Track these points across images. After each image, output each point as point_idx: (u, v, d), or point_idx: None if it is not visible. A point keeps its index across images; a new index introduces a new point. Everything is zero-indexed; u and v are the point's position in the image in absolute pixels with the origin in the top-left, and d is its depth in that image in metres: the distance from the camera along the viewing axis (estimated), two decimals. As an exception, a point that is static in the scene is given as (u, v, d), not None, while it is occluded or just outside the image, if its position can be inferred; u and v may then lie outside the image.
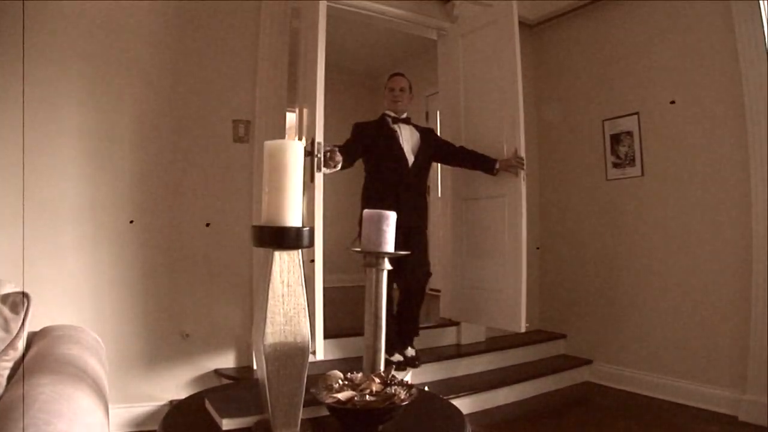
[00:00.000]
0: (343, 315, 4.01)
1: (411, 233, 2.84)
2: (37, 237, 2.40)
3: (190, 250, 2.79)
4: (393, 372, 1.21)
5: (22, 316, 1.11)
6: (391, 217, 1.30)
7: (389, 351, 2.85)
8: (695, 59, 3.17)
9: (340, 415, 1.07)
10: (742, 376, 2.84)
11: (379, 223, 1.28)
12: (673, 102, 3.26)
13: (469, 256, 3.43)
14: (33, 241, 2.37)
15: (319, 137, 2.62)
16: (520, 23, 3.23)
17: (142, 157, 2.70)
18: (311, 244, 1.04)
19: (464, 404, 2.84)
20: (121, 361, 2.54)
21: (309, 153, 2.55)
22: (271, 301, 0.99)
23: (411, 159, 2.98)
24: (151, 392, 2.65)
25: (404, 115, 3.07)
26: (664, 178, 3.33)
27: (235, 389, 1.38)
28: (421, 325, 3.15)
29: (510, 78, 3.14)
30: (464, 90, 3.53)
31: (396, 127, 3.02)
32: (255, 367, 2.73)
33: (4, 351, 1.07)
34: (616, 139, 3.61)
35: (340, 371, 1.19)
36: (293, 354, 1.00)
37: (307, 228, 1.02)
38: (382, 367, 1.29)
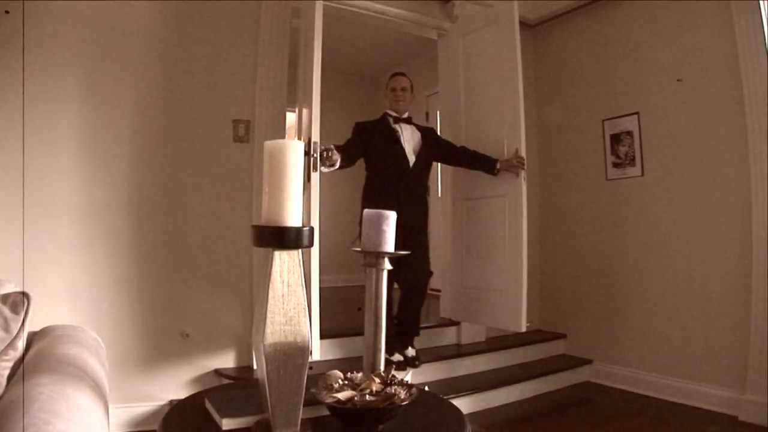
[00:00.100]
0: (343, 315, 4.01)
1: (411, 233, 2.84)
2: (37, 237, 2.40)
3: (190, 250, 2.79)
4: (393, 372, 1.21)
5: (22, 316, 1.11)
6: (391, 216, 1.29)
7: (389, 351, 2.85)
8: (695, 59, 3.17)
9: (340, 415, 1.07)
10: (742, 376, 2.84)
11: (379, 223, 1.28)
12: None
13: (470, 256, 3.43)
14: (33, 241, 2.37)
15: (316, 137, 2.62)
16: (520, 23, 3.23)
17: (142, 157, 2.70)
18: (311, 243, 1.04)
19: (464, 404, 2.84)
20: (121, 361, 2.54)
21: (306, 152, 2.55)
22: (271, 301, 0.99)
23: (412, 159, 2.98)
24: (150, 392, 2.64)
25: (405, 115, 3.08)
26: (664, 178, 3.33)
27: (235, 389, 1.38)
28: (421, 325, 3.14)
29: (511, 78, 3.14)
30: (464, 90, 3.53)
31: (397, 126, 3.02)
32: (255, 367, 2.73)
33: (4, 351, 1.07)
34: (616, 139, 3.61)
35: (340, 371, 1.19)
36: (293, 354, 1.00)
37: (308, 228, 1.02)
38: (382, 367, 1.29)
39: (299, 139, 2.88)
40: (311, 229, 1.04)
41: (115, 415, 2.37)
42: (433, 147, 3.11)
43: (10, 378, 1.07)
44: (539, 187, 4.13)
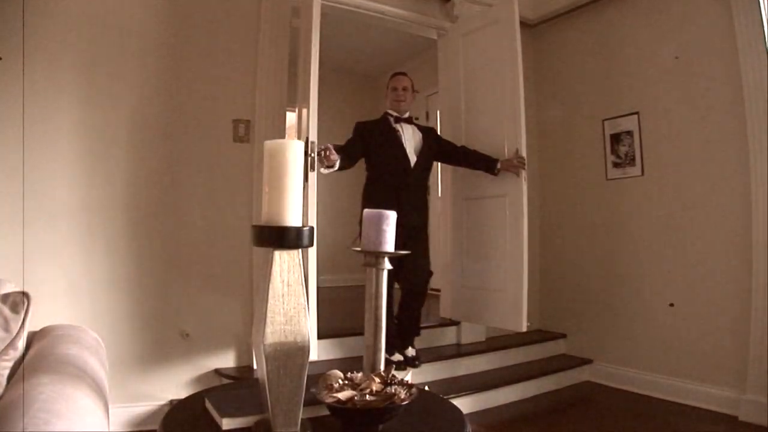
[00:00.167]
0: (343, 315, 4.01)
1: (412, 233, 2.84)
2: (37, 237, 2.40)
3: (190, 250, 2.79)
4: (393, 372, 1.21)
5: (22, 316, 1.11)
6: (392, 216, 1.30)
7: (389, 351, 2.85)
8: (695, 59, 3.17)
9: (341, 415, 1.07)
10: (742, 376, 2.84)
11: (379, 223, 1.28)
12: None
13: (470, 256, 3.43)
14: (33, 240, 2.37)
15: (313, 136, 2.61)
16: (520, 23, 3.23)
17: (143, 157, 2.70)
18: (311, 243, 1.04)
19: (464, 404, 2.84)
20: (121, 361, 2.54)
21: (303, 152, 2.55)
22: (271, 301, 0.99)
23: (413, 159, 2.98)
24: (151, 392, 2.64)
25: (406, 115, 3.08)
26: (664, 178, 3.33)
27: (235, 389, 1.38)
28: (421, 325, 3.14)
29: (511, 78, 3.14)
30: (465, 90, 3.53)
31: (398, 126, 3.02)
32: (255, 366, 2.73)
33: (4, 351, 1.07)
34: (616, 138, 3.61)
35: (340, 371, 1.19)
36: (293, 354, 1.00)
37: (308, 227, 1.02)
38: (382, 367, 1.29)
39: (299, 139, 2.88)
40: (311, 229, 1.04)
41: (115, 415, 2.37)
42: (434, 147, 3.11)
43: (10, 378, 1.07)
44: (539, 187, 4.12)
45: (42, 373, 1.00)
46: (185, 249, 2.78)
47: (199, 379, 2.76)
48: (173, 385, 2.70)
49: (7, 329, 1.08)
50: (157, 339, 2.68)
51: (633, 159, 3.51)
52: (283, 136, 2.99)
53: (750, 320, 2.82)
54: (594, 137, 3.75)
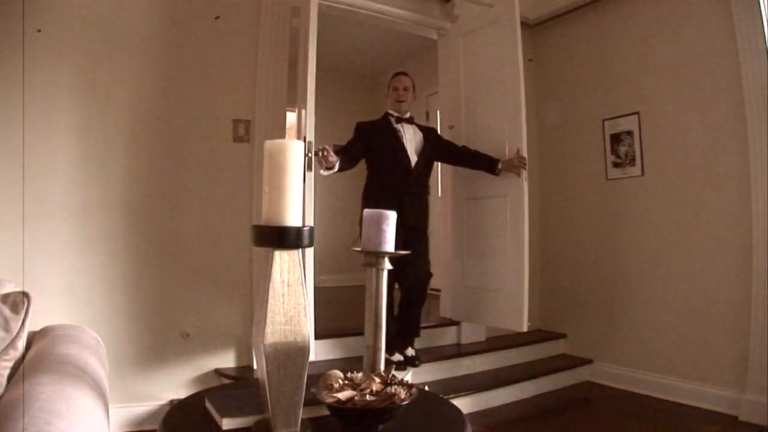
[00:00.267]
0: (343, 315, 4.01)
1: (412, 233, 2.84)
2: (36, 237, 2.40)
3: (190, 250, 2.79)
4: (393, 371, 1.21)
5: (22, 316, 1.11)
6: (392, 216, 1.29)
7: (389, 351, 2.85)
8: (695, 59, 3.17)
9: (341, 415, 1.07)
10: (742, 376, 2.84)
11: (379, 223, 1.28)
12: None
13: (470, 256, 3.43)
14: (33, 240, 2.37)
15: (310, 136, 2.61)
16: (520, 23, 3.22)
17: (143, 157, 2.70)
18: (311, 243, 1.04)
19: (464, 404, 2.83)
20: (121, 361, 2.54)
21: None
22: (271, 301, 0.99)
23: (414, 159, 2.98)
24: (151, 392, 2.64)
25: (407, 115, 3.08)
26: (664, 178, 3.33)
27: (235, 389, 1.38)
28: (421, 325, 3.14)
29: (512, 78, 3.13)
30: (465, 90, 3.53)
31: (399, 126, 3.02)
32: (255, 367, 2.73)
33: (5, 351, 1.07)
34: (616, 138, 3.61)
35: (340, 371, 1.19)
36: (293, 354, 1.00)
37: (308, 227, 1.02)
38: (382, 367, 1.29)
39: (298, 139, 2.88)
40: (311, 229, 1.04)
41: (115, 415, 2.37)
42: (435, 147, 3.11)
43: (10, 378, 1.07)
44: (539, 187, 4.12)
45: (42, 373, 1.00)
46: (185, 249, 2.78)
47: (199, 379, 2.76)
48: (173, 385, 2.70)
49: (7, 329, 1.08)
50: (157, 339, 2.68)
51: (633, 159, 3.51)
52: (283, 136, 2.99)
53: (750, 320, 2.82)
54: (594, 137, 3.75)
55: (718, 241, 3.05)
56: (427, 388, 1.65)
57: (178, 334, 2.73)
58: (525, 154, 3.07)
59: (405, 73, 3.15)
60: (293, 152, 1.02)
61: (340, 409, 1.05)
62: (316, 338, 2.68)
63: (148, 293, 2.68)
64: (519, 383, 3.23)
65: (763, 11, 2.81)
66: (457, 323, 3.55)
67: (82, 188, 2.55)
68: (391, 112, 3.06)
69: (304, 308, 1.02)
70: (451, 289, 3.57)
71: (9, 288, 1.23)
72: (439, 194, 4.09)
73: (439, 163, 3.52)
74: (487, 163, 3.12)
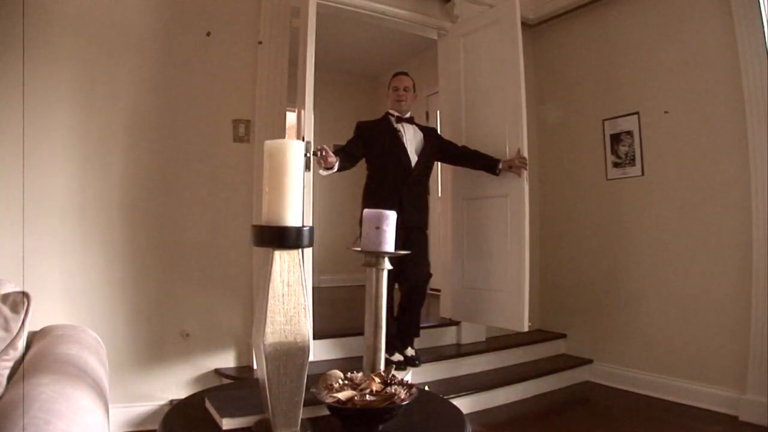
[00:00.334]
0: (343, 315, 4.01)
1: (412, 233, 2.84)
2: (36, 237, 2.39)
3: (190, 250, 2.79)
4: (393, 371, 1.21)
5: (22, 316, 1.11)
6: (391, 216, 1.30)
7: (389, 351, 2.85)
8: (695, 59, 3.17)
9: (341, 415, 1.07)
10: (742, 376, 2.84)
11: (379, 223, 1.28)
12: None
13: (470, 256, 3.43)
14: (32, 240, 2.36)
15: (309, 136, 2.61)
16: (521, 23, 3.22)
17: (143, 157, 2.70)
18: (311, 243, 1.04)
19: (464, 404, 2.84)
20: (121, 361, 2.54)
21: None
22: (271, 301, 0.99)
23: (414, 159, 2.98)
24: (151, 392, 2.64)
25: (408, 115, 3.08)
26: (664, 178, 3.33)
27: (235, 389, 1.38)
28: (421, 325, 3.14)
29: (512, 78, 3.13)
30: (465, 90, 3.53)
31: (399, 126, 3.02)
32: (255, 367, 2.73)
33: (5, 351, 1.07)
34: (616, 138, 3.61)
35: (340, 371, 1.19)
36: (293, 354, 1.00)
37: (308, 227, 1.02)
38: (382, 367, 1.29)
39: (299, 139, 2.88)
40: (311, 229, 1.04)
41: (115, 415, 2.37)
42: (435, 147, 3.12)
43: (10, 378, 1.07)
44: (539, 187, 4.12)
45: (42, 373, 1.00)
46: (185, 249, 2.78)
47: (199, 379, 2.76)
48: (173, 385, 2.70)
49: (7, 329, 1.08)
50: (157, 339, 2.68)
51: (633, 159, 3.51)
52: (283, 136, 2.99)
53: (750, 320, 2.82)
54: (594, 137, 3.75)
55: (718, 241, 3.05)
56: (427, 388, 1.65)
57: (178, 334, 2.73)
58: (525, 154, 3.07)
59: (405, 73, 3.15)
60: (293, 152, 1.02)
61: (340, 409, 1.05)
62: (316, 338, 2.68)
63: (148, 293, 2.68)
64: (519, 383, 3.23)
65: (763, 11, 2.81)
66: (457, 323, 3.55)
67: (82, 188, 2.55)
68: (391, 111, 3.06)
69: (304, 308, 1.02)
70: (451, 289, 3.57)
71: (9, 288, 1.23)
72: (439, 194, 4.09)
73: (439, 163, 3.52)
74: (487, 163, 3.12)
